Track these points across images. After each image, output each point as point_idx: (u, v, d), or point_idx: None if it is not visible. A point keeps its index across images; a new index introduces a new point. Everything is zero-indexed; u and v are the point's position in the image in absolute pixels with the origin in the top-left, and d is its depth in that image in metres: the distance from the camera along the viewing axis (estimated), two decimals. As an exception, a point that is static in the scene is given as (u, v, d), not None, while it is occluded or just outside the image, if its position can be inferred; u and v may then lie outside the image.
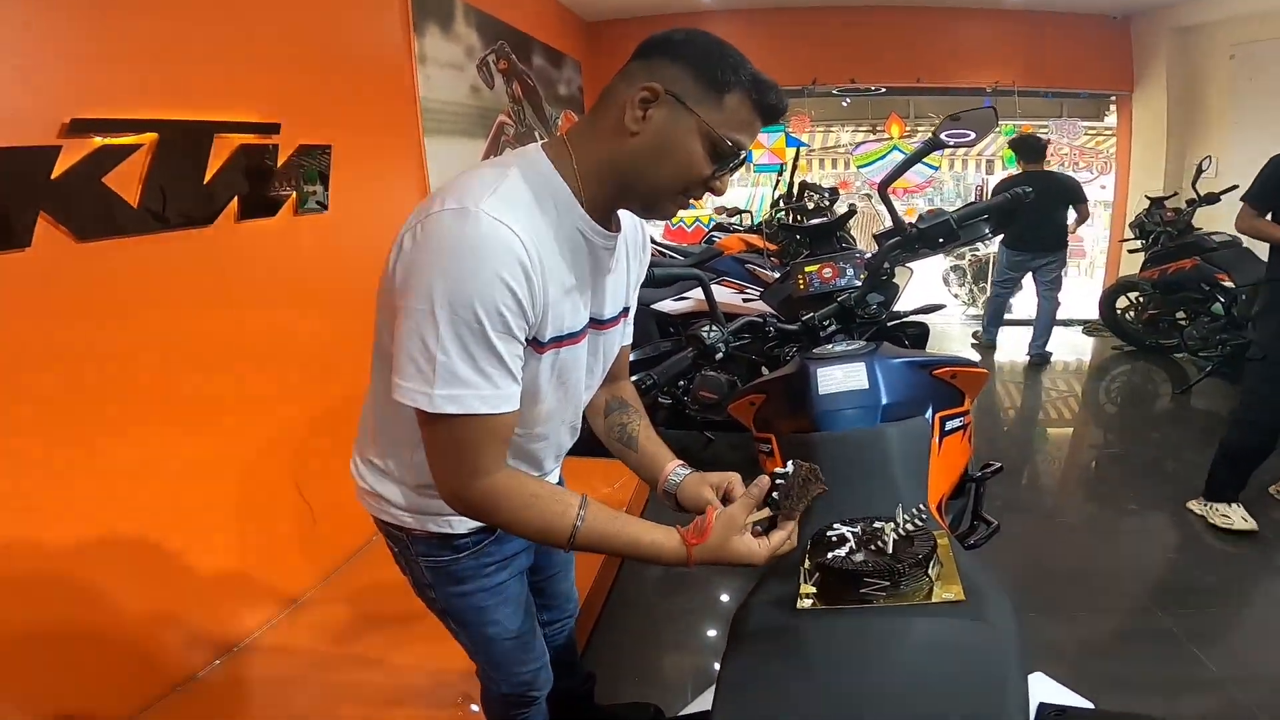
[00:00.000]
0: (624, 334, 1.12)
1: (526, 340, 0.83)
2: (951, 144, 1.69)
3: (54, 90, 1.55)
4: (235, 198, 1.95)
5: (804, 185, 3.34)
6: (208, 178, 1.88)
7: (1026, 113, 5.87)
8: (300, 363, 2.20)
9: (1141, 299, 4.69)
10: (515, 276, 0.76)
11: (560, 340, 0.89)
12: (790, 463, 0.89)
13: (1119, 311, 4.86)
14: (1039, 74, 5.61)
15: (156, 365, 1.76)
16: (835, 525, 0.93)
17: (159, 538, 1.74)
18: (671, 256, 3.26)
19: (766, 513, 0.90)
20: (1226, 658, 1.89)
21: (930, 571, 0.86)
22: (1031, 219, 4.44)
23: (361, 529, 2.21)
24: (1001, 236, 4.80)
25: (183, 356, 1.83)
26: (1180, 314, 4.42)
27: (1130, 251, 4.90)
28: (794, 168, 4.27)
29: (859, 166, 6.01)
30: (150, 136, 1.74)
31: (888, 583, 0.84)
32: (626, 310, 1.07)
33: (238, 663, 1.81)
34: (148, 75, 1.74)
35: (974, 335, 5.39)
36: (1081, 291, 5.84)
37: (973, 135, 1.71)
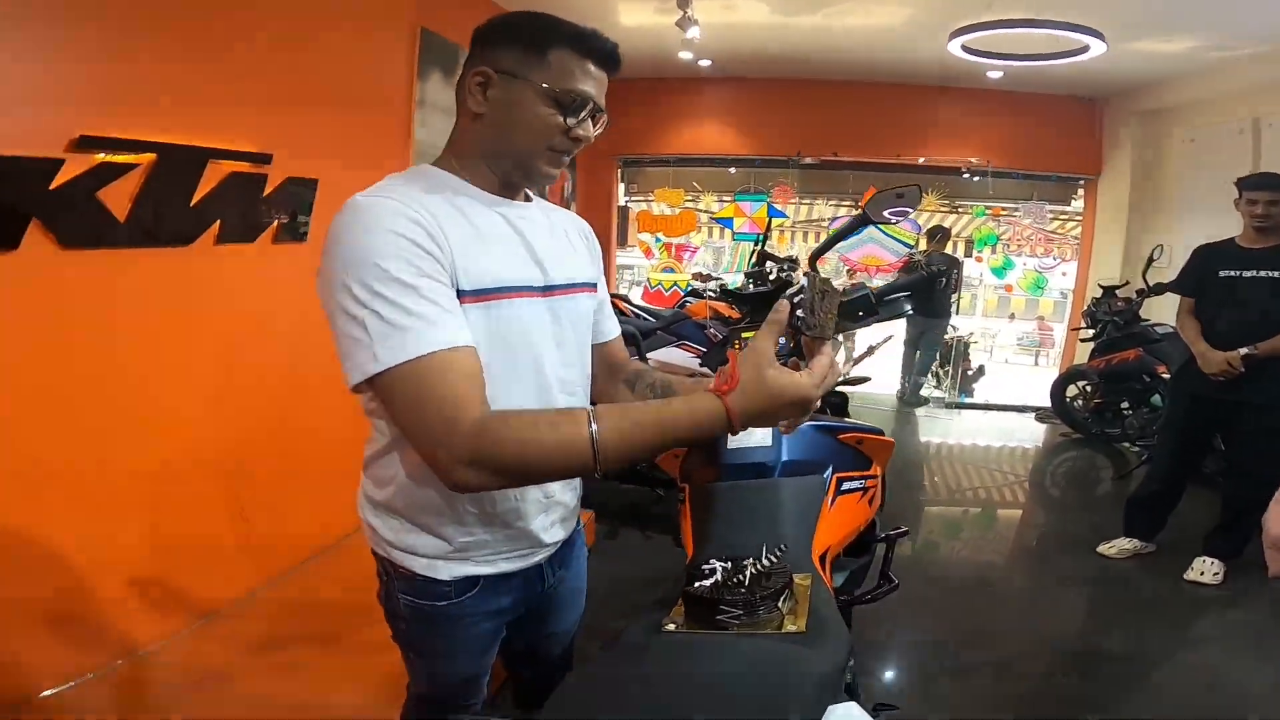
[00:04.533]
0: (602, 317, 1.13)
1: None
2: (886, 219, 1.81)
3: (67, 107, 1.69)
4: (218, 221, 2.08)
5: (764, 255, 3.55)
6: (195, 200, 2.01)
7: (999, 194, 6.16)
8: (252, 385, 2.26)
9: (1088, 388, 4.89)
10: (403, 227, 0.81)
11: (488, 293, 0.89)
12: (803, 276, 0.87)
13: (1068, 400, 5.06)
14: (1013, 155, 5.82)
15: (120, 368, 1.86)
16: (710, 560, 1.03)
17: (89, 531, 1.79)
18: (643, 318, 3.44)
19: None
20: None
21: (782, 605, 0.96)
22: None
23: (297, 551, 2.26)
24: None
25: (146, 363, 1.92)
26: (1125, 404, 4.62)
27: (1081, 340, 5.13)
28: (766, 237, 4.50)
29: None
30: (149, 157, 1.87)
31: (741, 612, 0.93)
32: (589, 286, 1.08)
33: (140, 664, 1.82)
34: (155, 99, 1.88)
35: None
36: (1038, 380, 6.08)
37: (909, 211, 1.84)
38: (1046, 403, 5.34)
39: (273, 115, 2.24)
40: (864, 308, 1.77)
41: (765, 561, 1.00)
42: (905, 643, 2.41)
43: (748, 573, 0.98)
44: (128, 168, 1.83)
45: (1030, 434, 5.47)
